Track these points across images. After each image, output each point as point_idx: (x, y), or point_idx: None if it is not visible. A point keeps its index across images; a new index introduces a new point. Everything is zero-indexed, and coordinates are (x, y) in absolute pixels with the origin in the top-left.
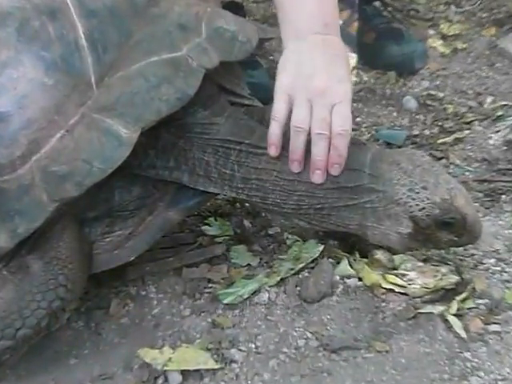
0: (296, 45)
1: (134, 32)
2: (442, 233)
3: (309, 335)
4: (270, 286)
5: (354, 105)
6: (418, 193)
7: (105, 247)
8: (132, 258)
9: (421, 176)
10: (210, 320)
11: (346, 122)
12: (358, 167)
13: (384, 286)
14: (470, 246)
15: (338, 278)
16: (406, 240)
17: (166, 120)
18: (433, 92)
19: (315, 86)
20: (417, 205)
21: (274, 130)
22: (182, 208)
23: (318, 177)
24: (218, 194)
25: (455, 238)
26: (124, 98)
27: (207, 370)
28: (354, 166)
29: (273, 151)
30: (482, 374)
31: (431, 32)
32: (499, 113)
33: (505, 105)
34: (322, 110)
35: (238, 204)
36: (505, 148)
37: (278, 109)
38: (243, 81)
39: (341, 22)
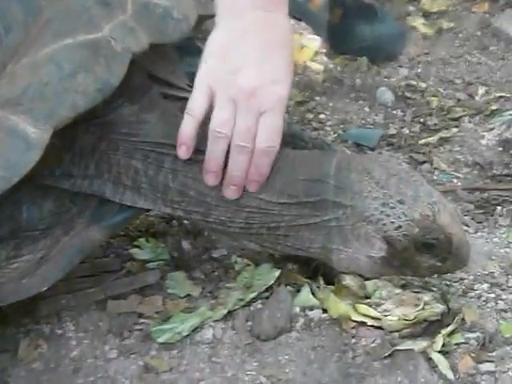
0: (229, 23)
1: (43, 8)
2: (423, 257)
3: (263, 380)
4: (214, 321)
5: (317, 98)
6: (393, 208)
7: (10, 275)
8: (44, 289)
9: (397, 188)
10: (141, 363)
11: (274, 136)
12: (320, 177)
13: (354, 318)
14: None
15: (298, 309)
16: (379, 266)
17: (84, 117)
18: (413, 82)
19: (241, 84)
20: (392, 222)
21: (188, 127)
22: (105, 226)
23: (231, 193)
24: (150, 209)
25: (438, 264)
26: (32, 89)
27: None
28: (316, 176)
29: (183, 152)
30: None
31: (411, 8)
32: (493, 107)
33: (500, 97)
34: (247, 118)
35: (174, 222)
36: (500, 149)
37: (196, 102)
38: (180, 68)
39: None
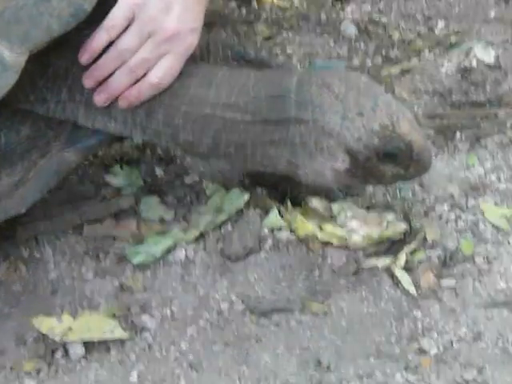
0: None
1: None
2: (385, 166)
3: (233, 298)
4: (187, 243)
5: (284, 33)
6: (352, 121)
7: None
8: (23, 210)
9: (355, 100)
10: (117, 283)
11: (166, 76)
12: (282, 93)
13: (321, 238)
14: (420, 190)
15: (266, 230)
16: (344, 177)
17: (57, 42)
18: (375, 16)
19: (166, 27)
20: (352, 135)
21: (98, 41)
22: (80, 148)
23: (100, 99)
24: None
25: (401, 171)
26: (8, 13)
27: (114, 341)
28: (278, 92)
29: (85, 59)
30: (435, 334)
31: None
32: (452, 39)
33: (459, 31)
34: (152, 52)
35: (148, 150)
36: (459, 77)
37: (114, 20)
38: None
39: None
